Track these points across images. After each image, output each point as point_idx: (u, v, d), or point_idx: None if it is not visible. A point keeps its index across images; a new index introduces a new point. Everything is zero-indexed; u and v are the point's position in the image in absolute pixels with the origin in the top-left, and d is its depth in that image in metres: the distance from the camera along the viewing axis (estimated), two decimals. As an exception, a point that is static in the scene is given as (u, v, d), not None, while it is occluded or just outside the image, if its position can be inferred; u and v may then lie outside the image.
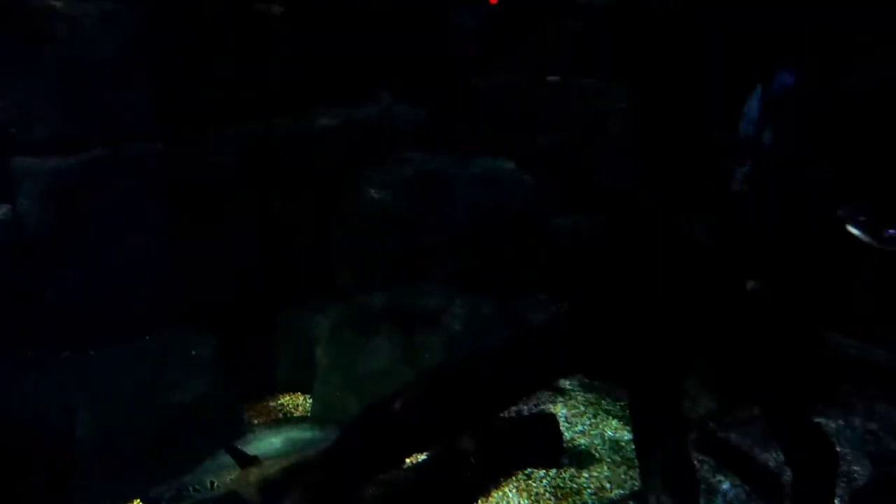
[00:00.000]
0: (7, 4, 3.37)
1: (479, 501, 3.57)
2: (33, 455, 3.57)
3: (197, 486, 3.51)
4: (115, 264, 3.85)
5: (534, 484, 3.69)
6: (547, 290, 5.10)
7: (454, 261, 5.01)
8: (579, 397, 4.38)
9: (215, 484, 3.49)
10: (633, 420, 3.33)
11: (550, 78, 5.97)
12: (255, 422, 4.38)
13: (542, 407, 4.26)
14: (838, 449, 3.16)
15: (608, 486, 3.65)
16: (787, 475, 3.11)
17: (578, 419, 4.18)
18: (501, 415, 3.84)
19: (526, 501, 3.56)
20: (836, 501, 3.01)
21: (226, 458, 3.55)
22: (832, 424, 3.51)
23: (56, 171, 3.58)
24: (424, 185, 4.99)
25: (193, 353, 4.09)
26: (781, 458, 3.12)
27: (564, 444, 3.91)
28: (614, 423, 4.13)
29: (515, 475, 3.74)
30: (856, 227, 2.51)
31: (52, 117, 3.53)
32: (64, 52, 3.50)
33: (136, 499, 3.71)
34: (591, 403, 4.33)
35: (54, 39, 3.46)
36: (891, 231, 2.46)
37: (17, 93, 3.45)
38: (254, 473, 3.30)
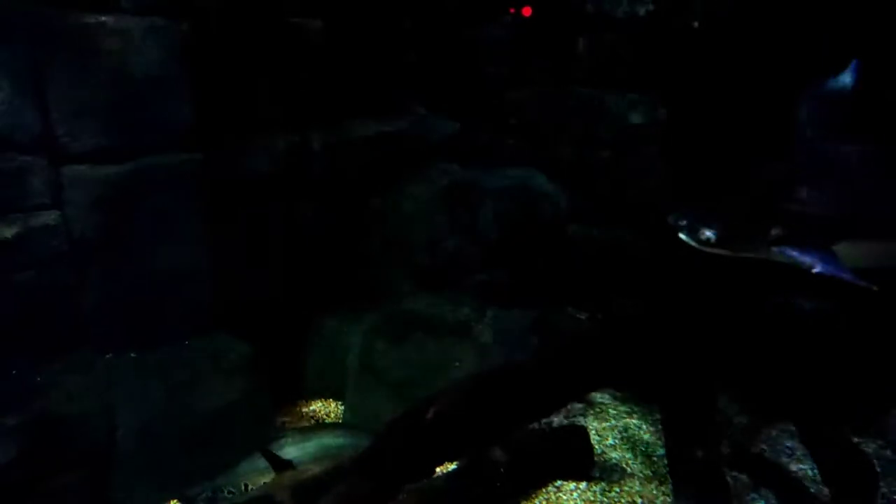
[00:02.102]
0: (62, 20, 3.51)
1: (509, 512, 3.57)
2: (75, 454, 3.67)
3: (232, 489, 3.58)
4: (157, 270, 3.95)
5: (564, 497, 3.67)
6: (577, 303, 5.09)
7: (485, 271, 5.04)
8: (611, 410, 4.35)
9: (249, 487, 3.56)
10: (666, 434, 3.31)
11: (583, 90, 5.98)
12: (288, 427, 4.44)
13: (574, 419, 4.24)
14: (879, 469, 3.10)
15: (639, 500, 3.61)
16: (825, 493, 3.05)
17: (610, 432, 4.15)
18: (533, 426, 3.84)
19: (556, 514, 3.56)
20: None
21: (260, 462, 3.62)
22: (871, 444, 3.43)
23: (103, 180, 3.70)
24: (456, 196, 5.05)
25: (228, 358, 4.17)
26: (817, 474, 3.06)
27: (595, 458, 3.88)
28: (646, 437, 4.09)
29: (546, 487, 3.73)
30: (680, 231, 2.43)
31: (101, 128, 3.65)
32: (113, 65, 3.63)
33: (173, 499, 3.80)
34: (623, 417, 4.29)
35: (105, 53, 3.59)
36: (707, 232, 2.37)
37: (68, 104, 3.57)
38: (288, 478, 3.35)
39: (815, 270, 2.21)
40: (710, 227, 2.35)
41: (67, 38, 3.55)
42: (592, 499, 3.65)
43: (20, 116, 3.49)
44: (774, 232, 2.30)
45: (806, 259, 2.24)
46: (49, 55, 3.51)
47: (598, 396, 4.43)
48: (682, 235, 2.41)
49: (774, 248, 2.31)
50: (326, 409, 4.73)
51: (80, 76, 3.59)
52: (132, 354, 3.95)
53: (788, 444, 3.56)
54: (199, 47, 4.04)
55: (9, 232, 3.49)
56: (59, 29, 3.53)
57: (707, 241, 2.35)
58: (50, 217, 3.64)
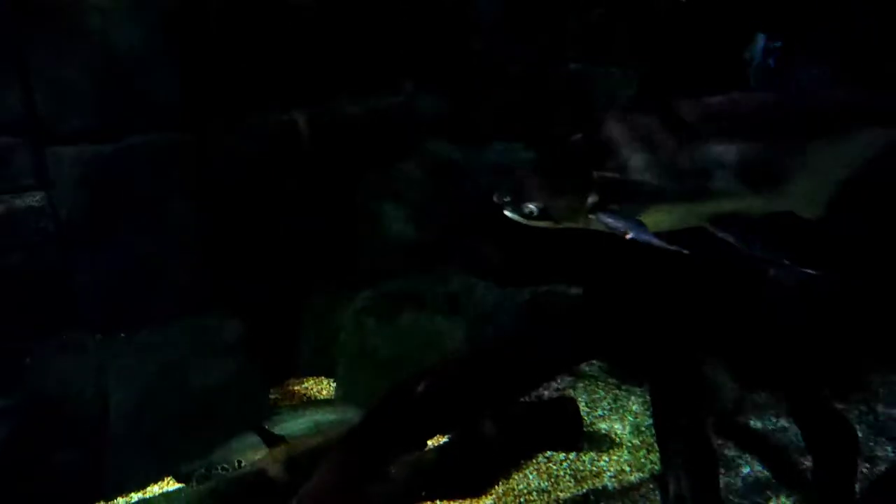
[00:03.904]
0: (41, -3, 3.46)
1: (500, 483, 3.63)
2: (69, 434, 3.70)
3: (225, 465, 3.62)
4: (146, 251, 3.94)
5: (554, 467, 3.74)
6: (566, 279, 5.12)
7: (475, 249, 5.05)
8: (600, 382, 4.41)
9: (242, 463, 3.60)
10: (654, 404, 3.35)
11: (572, 66, 5.95)
12: (281, 405, 4.48)
13: (563, 391, 4.30)
14: (860, 434, 3.16)
15: (628, 469, 3.68)
16: (808, 459, 3.12)
17: (599, 404, 4.21)
18: (522, 399, 3.89)
19: (546, 484, 3.61)
20: (856, 485, 3.01)
21: (253, 439, 3.66)
22: (854, 411, 3.51)
23: (89, 160, 3.67)
24: (446, 174, 5.04)
25: (220, 338, 4.19)
26: (802, 442, 3.12)
27: (585, 429, 3.95)
28: (634, 407, 4.16)
29: (536, 458, 3.79)
30: (505, 208, 2.42)
31: (86, 107, 3.61)
32: (96, 43, 3.59)
33: (168, 476, 3.84)
34: (612, 388, 4.36)
35: (88, 30, 3.55)
36: (530, 205, 2.37)
37: (52, 83, 3.54)
38: (281, 452, 3.39)
39: (628, 237, 2.23)
40: (532, 200, 2.37)
41: (49, 16, 3.50)
42: (582, 468, 3.71)
43: (2, 96, 3.45)
44: (591, 200, 2.32)
45: (619, 226, 2.26)
46: (31, 33, 3.47)
47: (587, 369, 4.49)
48: (507, 213, 2.42)
49: (591, 216, 2.34)
50: (318, 386, 4.76)
51: (63, 55, 3.54)
52: (123, 335, 3.95)
53: (773, 412, 3.63)
54: (186, 25, 4.00)
55: (-6, 213, 3.48)
56: (40, 6, 3.48)
57: (531, 215, 2.37)
58: (35, 198, 3.61)
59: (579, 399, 4.20)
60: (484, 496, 3.55)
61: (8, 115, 3.49)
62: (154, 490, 3.82)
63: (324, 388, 4.75)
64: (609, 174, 2.34)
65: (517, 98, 5.91)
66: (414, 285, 4.68)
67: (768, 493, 3.30)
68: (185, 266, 4.10)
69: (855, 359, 3.79)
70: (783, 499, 3.27)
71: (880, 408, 3.53)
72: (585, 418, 4.03)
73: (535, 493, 3.54)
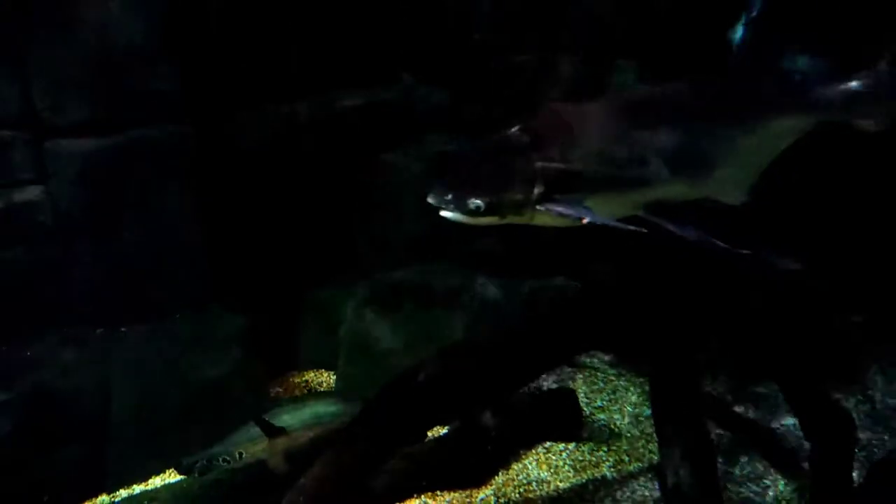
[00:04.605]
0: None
1: (500, 474, 3.65)
2: (71, 427, 3.72)
3: (227, 457, 3.63)
4: (146, 244, 3.95)
5: (553, 457, 3.76)
6: (565, 272, 5.12)
7: (476, 240, 5.05)
8: (599, 373, 4.43)
9: (243, 454, 3.62)
10: (653, 395, 3.37)
11: (570, 58, 5.93)
12: (282, 397, 4.50)
13: (563, 383, 4.31)
14: (857, 423, 3.17)
15: (627, 459, 3.70)
16: (806, 448, 3.14)
17: (598, 395, 4.23)
18: (523, 390, 3.90)
19: (546, 474, 3.63)
20: (854, 474, 3.03)
21: (253, 431, 3.67)
22: (852, 399, 3.52)
23: (88, 154, 3.68)
24: (446, 167, 5.04)
25: (221, 331, 4.20)
26: (799, 431, 3.14)
27: (584, 419, 3.96)
28: (633, 398, 4.18)
29: (535, 448, 3.81)
30: (446, 208, 2.29)
31: (84, 100, 3.62)
32: (94, 36, 3.58)
33: (170, 468, 3.86)
34: (611, 379, 4.37)
35: (86, 23, 3.54)
36: (475, 201, 2.25)
37: (50, 77, 3.54)
38: (281, 444, 3.40)
39: (585, 221, 2.22)
40: (477, 196, 2.28)
41: (47, 8, 3.49)
42: (581, 458, 3.73)
43: (0, 90, 3.46)
44: (537, 191, 2.29)
45: (572, 213, 2.25)
46: (29, 27, 3.46)
47: (586, 360, 4.50)
48: (447, 214, 2.31)
49: (540, 207, 2.29)
50: (319, 379, 4.78)
51: (61, 48, 3.54)
52: (123, 328, 3.97)
53: (771, 401, 3.65)
54: (185, 17, 3.99)
55: (-8, 207, 3.49)
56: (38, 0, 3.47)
57: (477, 211, 2.28)
58: (34, 192, 3.63)
59: (579, 390, 4.22)
60: (484, 487, 3.57)
61: (6, 109, 3.50)
62: (156, 482, 3.84)
63: (324, 380, 4.77)
64: (554, 165, 2.32)
65: (517, 90, 5.90)
66: (414, 278, 4.69)
67: (766, 481, 3.33)
68: (185, 259, 4.12)
69: (852, 348, 3.80)
70: (781, 487, 3.30)
71: (878, 396, 3.55)
72: (585, 409, 4.05)
73: (534, 484, 3.57)
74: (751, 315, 3.24)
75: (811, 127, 2.53)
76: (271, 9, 4.49)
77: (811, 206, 3.86)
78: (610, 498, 3.40)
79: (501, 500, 3.49)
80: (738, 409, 3.68)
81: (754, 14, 3.62)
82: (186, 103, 3.95)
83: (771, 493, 3.26)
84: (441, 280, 4.68)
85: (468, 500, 3.50)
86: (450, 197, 2.32)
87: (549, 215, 2.32)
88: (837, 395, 3.38)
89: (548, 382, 4.29)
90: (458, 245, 5.02)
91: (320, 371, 4.83)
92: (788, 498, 3.25)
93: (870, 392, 3.55)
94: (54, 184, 3.66)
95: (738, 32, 3.64)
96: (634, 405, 4.12)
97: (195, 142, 4.06)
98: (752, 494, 3.26)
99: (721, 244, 2.29)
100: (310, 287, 4.93)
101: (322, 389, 4.68)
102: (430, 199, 2.34)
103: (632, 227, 2.23)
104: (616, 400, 4.18)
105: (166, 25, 3.80)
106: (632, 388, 4.26)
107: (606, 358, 4.51)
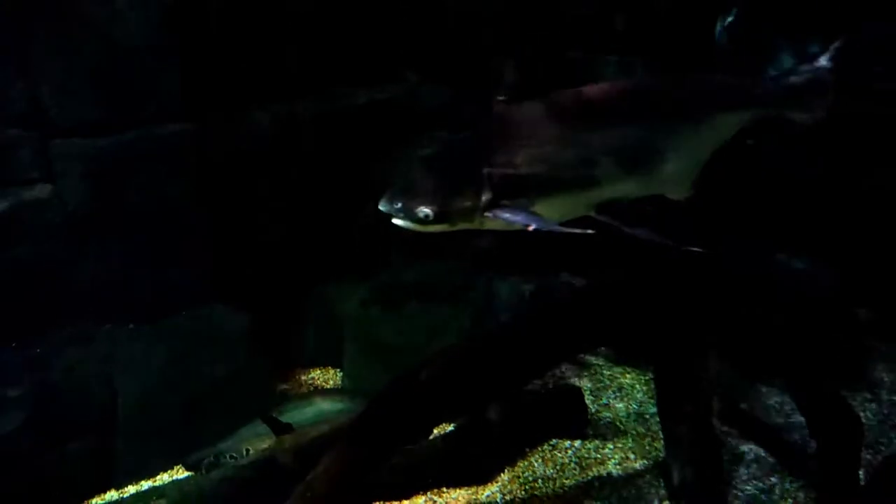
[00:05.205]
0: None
1: (506, 471, 3.65)
2: (78, 424, 3.74)
3: (233, 454, 3.67)
4: (152, 242, 3.97)
5: (559, 454, 3.76)
6: (569, 270, 5.12)
7: (479, 239, 5.05)
8: (605, 371, 4.43)
9: (250, 451, 3.64)
10: (658, 392, 3.37)
11: (572, 55, 5.91)
12: (288, 394, 4.51)
13: (569, 380, 4.31)
14: (864, 421, 3.16)
15: (632, 456, 3.70)
16: (812, 445, 3.13)
17: (603, 392, 4.23)
18: (528, 387, 3.90)
19: (551, 471, 3.64)
20: (861, 471, 3.02)
21: (260, 428, 3.70)
22: (858, 397, 3.51)
23: (95, 152, 3.70)
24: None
25: (227, 328, 4.22)
26: (806, 429, 3.13)
27: (589, 417, 3.96)
28: (639, 395, 4.17)
29: (541, 446, 3.82)
30: (395, 216, 2.30)
31: (90, 99, 3.63)
32: (99, 35, 3.60)
33: (177, 465, 3.89)
34: (617, 377, 4.37)
35: (89, 22, 3.56)
36: (424, 209, 2.22)
37: (56, 76, 3.55)
38: (288, 441, 3.42)
39: (531, 229, 2.18)
40: (426, 204, 2.26)
41: (53, 8, 3.51)
42: (587, 456, 3.73)
43: (7, 89, 3.48)
44: (485, 197, 2.25)
45: (519, 219, 2.22)
46: (35, 27, 3.48)
47: (592, 358, 4.50)
48: (398, 222, 2.31)
49: (488, 214, 2.27)
50: (325, 376, 4.80)
51: (67, 47, 3.56)
52: (131, 325, 3.99)
53: (777, 399, 3.64)
54: (189, 16, 4.00)
55: (0, 206, 3.50)
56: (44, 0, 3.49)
57: (427, 219, 2.26)
58: (42, 191, 3.65)
59: (584, 387, 4.21)
60: (489, 484, 3.58)
61: (14, 109, 3.52)
62: (164, 478, 3.87)
63: (330, 377, 4.78)
64: (500, 170, 2.29)
65: (519, 87, 5.87)
66: (419, 276, 4.70)
67: (772, 479, 3.32)
68: (191, 257, 4.13)
69: (858, 345, 3.79)
70: (787, 485, 3.29)
71: (885, 395, 3.54)
72: (590, 406, 4.05)
73: (540, 481, 3.57)
74: (757, 313, 3.23)
75: (750, 121, 2.56)
76: (274, 8, 4.49)
77: (815, 204, 3.85)
78: (616, 495, 3.40)
79: (507, 497, 3.49)
80: (744, 406, 3.67)
81: (730, 20, 3.64)
82: (192, 102, 3.96)
83: (777, 492, 3.25)
84: (445, 278, 4.69)
85: (474, 496, 3.51)
86: (399, 205, 2.31)
87: (500, 221, 2.29)
88: (845, 392, 3.37)
89: (553, 379, 4.29)
90: (463, 242, 5.02)
91: (326, 368, 4.85)
92: (794, 496, 3.24)
93: (876, 390, 3.54)
94: (62, 182, 3.67)
95: (717, 35, 3.68)
96: (640, 403, 4.11)
97: (200, 140, 4.07)
98: (757, 492, 3.26)
99: (670, 242, 2.29)
100: (315, 285, 4.94)
101: (328, 386, 4.69)
102: (381, 207, 2.34)
103: (577, 231, 2.19)
104: (622, 397, 4.18)
105: (172, 24, 3.82)
106: (637, 386, 4.26)
107: (612, 355, 4.50)
